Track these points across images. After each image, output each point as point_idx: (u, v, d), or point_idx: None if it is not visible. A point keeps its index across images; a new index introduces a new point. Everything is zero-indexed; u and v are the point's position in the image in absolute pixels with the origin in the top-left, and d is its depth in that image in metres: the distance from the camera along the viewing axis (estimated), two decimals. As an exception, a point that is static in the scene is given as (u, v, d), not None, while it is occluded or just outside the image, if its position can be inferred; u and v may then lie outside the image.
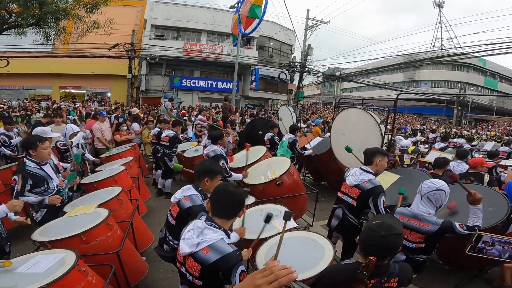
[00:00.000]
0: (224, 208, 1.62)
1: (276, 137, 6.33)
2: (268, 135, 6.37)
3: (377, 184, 2.71)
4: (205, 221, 1.57)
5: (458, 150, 5.16)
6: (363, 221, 2.72)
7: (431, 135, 11.25)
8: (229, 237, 1.59)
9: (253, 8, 11.24)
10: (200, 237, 1.50)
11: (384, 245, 1.45)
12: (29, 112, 11.36)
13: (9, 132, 5.60)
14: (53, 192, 3.00)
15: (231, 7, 15.63)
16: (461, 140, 7.56)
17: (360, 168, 2.88)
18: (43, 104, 14.60)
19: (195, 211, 2.13)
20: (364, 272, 1.42)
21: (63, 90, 23.54)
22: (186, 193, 2.25)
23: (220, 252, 1.44)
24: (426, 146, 8.68)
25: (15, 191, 2.77)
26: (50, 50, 15.09)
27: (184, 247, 1.51)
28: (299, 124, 8.76)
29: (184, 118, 8.90)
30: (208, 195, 2.31)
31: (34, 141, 2.96)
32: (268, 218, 1.90)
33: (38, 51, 13.02)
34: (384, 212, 2.66)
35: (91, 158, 4.97)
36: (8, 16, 9.66)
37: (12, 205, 2.30)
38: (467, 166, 4.59)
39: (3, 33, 10.10)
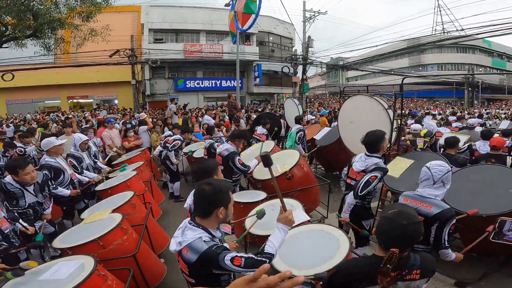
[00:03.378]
0: (197, 206, 1.61)
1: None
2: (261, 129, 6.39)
3: (383, 166, 2.73)
4: (189, 221, 1.60)
5: (483, 130, 4.93)
6: None
7: (451, 118, 9.96)
8: (212, 235, 1.55)
9: (248, 4, 11.16)
10: (182, 237, 1.54)
11: (406, 234, 1.41)
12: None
13: (26, 146, 5.52)
14: (23, 208, 3.03)
15: (227, 5, 15.56)
16: (473, 120, 7.35)
17: (365, 153, 2.86)
18: (51, 115, 14.89)
19: None
20: (388, 265, 1.38)
21: (71, 100, 23.94)
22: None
23: (197, 251, 1.45)
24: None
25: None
26: (53, 61, 15.32)
27: (172, 245, 1.57)
28: (307, 116, 8.68)
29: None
30: None
31: (14, 167, 2.96)
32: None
33: (40, 62, 13.22)
34: (361, 185, 2.63)
35: (94, 176, 4.43)
36: (4, 28, 9.82)
37: None
38: None
39: (3, 46, 10.28)
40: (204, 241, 1.49)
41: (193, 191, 2.30)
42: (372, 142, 2.76)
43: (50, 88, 21.97)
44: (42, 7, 9.66)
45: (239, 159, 3.72)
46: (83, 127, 6.95)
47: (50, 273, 1.82)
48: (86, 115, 14.90)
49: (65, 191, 3.69)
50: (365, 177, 2.64)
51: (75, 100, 24.15)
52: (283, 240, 1.64)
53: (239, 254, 1.46)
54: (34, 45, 10.61)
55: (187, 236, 1.52)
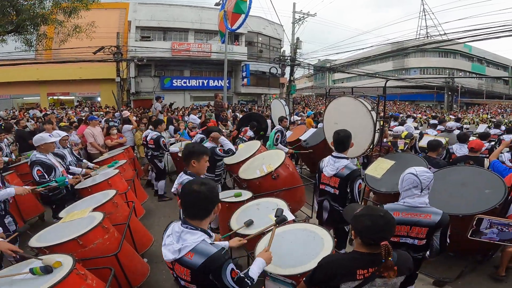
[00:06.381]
0: (193, 209, 1.52)
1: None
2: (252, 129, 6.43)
3: (354, 168, 2.73)
4: (181, 224, 1.51)
5: (459, 133, 5.10)
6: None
7: (432, 121, 9.43)
8: (210, 236, 1.53)
9: (238, 4, 11.17)
10: (180, 242, 1.46)
11: (388, 225, 1.44)
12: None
13: (0, 143, 5.37)
14: None
15: (216, 4, 15.53)
16: (451, 124, 7.64)
17: (332, 155, 2.85)
18: (31, 112, 14.34)
19: None
20: (390, 258, 1.38)
21: (51, 97, 23.15)
22: (179, 180, 2.31)
23: (205, 254, 1.41)
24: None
25: None
26: (33, 57, 14.82)
27: (167, 254, 1.47)
28: (293, 117, 8.77)
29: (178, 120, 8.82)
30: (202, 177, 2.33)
31: None
32: (281, 220, 1.90)
33: (20, 58, 12.79)
34: (357, 196, 2.69)
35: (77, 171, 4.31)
36: (-15, 24, 9.44)
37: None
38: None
39: None
40: (210, 243, 1.46)
41: (179, 176, 2.33)
42: (343, 140, 2.77)
43: (29, 84, 21.20)
44: (26, 3, 9.35)
45: (219, 149, 3.93)
46: (63, 126, 6.74)
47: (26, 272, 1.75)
48: (69, 112, 14.42)
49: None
50: (355, 187, 2.68)
51: (55, 97, 23.37)
52: (261, 269, 1.72)
53: (235, 268, 1.47)
54: (15, 40, 10.25)
55: (187, 240, 1.45)
